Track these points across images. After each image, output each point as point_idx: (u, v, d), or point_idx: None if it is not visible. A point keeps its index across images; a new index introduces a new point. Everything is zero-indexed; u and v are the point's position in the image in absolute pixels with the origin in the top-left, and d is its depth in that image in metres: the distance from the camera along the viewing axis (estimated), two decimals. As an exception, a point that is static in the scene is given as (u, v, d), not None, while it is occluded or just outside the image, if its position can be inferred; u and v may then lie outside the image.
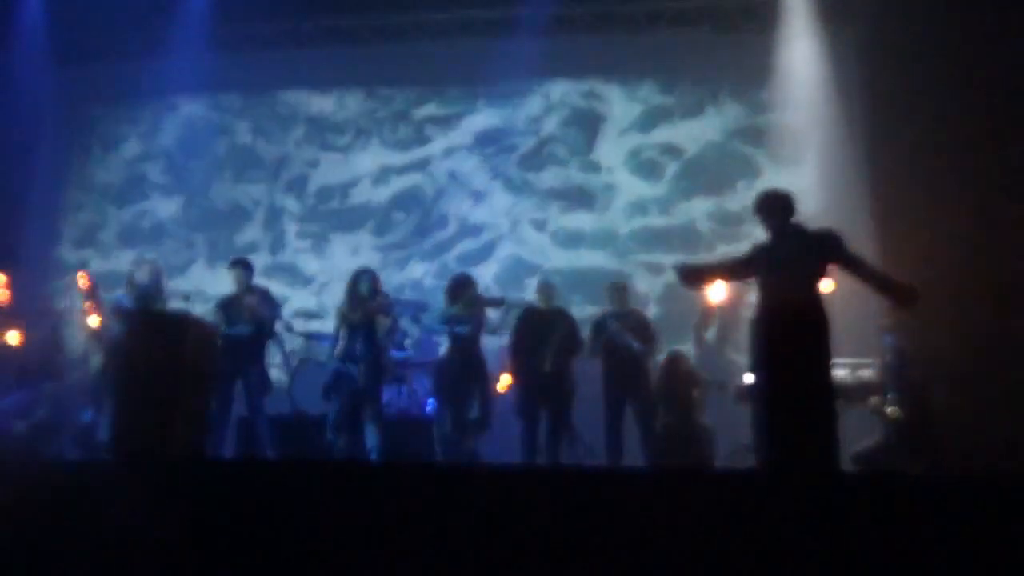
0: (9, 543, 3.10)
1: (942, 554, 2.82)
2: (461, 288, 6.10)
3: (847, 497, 3.08)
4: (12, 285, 7.98)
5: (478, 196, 8.87)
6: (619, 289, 6.38)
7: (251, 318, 5.88)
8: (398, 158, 9.08)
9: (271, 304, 6.00)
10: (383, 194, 9.00)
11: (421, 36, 9.05)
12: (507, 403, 6.22)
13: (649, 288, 7.99)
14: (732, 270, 4.91)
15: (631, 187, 8.64)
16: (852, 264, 4.45)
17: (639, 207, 8.57)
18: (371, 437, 5.65)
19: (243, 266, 6.11)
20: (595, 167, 8.75)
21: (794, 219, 4.51)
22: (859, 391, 5.83)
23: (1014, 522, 2.87)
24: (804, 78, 8.33)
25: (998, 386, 6.01)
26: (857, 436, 5.74)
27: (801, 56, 8.33)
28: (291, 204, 9.10)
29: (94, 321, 6.48)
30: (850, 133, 8.16)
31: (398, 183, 9.01)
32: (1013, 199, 6.09)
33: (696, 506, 3.01)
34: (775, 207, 4.54)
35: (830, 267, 4.51)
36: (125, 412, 3.90)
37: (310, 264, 8.90)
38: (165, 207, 9.27)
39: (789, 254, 4.42)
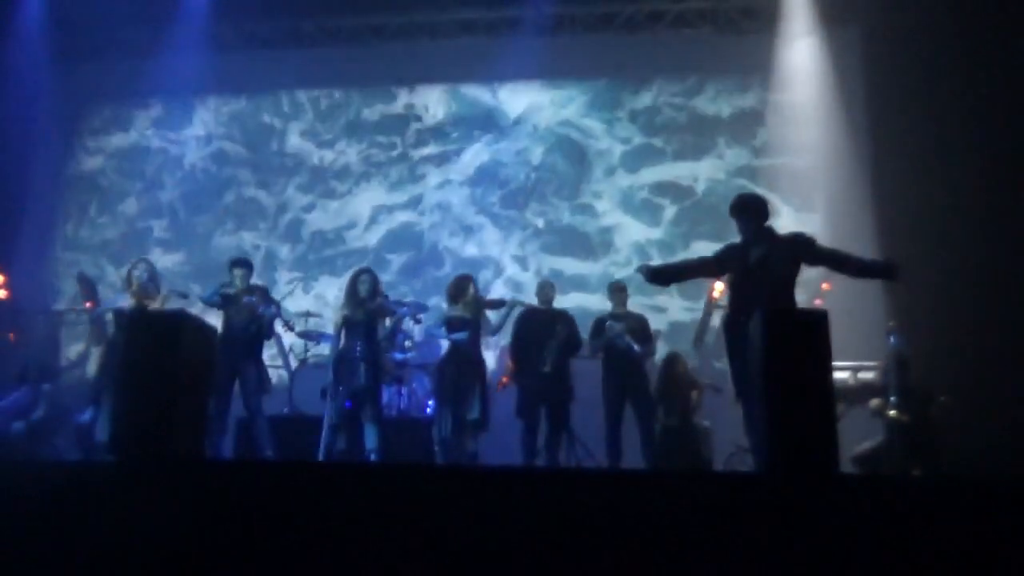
0: (7, 544, 3.09)
1: (942, 556, 2.81)
2: (462, 289, 6.08)
3: (847, 499, 3.08)
4: (11, 285, 7.99)
5: (472, 237, 8.91)
6: (618, 290, 6.36)
7: (250, 316, 5.86)
8: (393, 198, 9.13)
9: (270, 303, 5.97)
10: (377, 235, 9.04)
11: (421, 36, 9.07)
12: (507, 404, 6.20)
13: (653, 329, 7.93)
14: (701, 269, 4.96)
15: (631, 229, 8.65)
16: (830, 259, 4.52)
17: (639, 251, 8.54)
18: (370, 438, 5.64)
19: (243, 265, 6.09)
20: (591, 210, 8.77)
21: (767, 223, 4.59)
22: (861, 393, 5.83)
23: (1014, 524, 2.87)
24: (805, 78, 8.34)
25: (998, 390, 6.01)
26: (858, 438, 5.74)
27: (802, 56, 8.34)
28: (286, 250, 9.13)
29: (92, 321, 6.48)
30: (854, 142, 8.18)
31: (392, 223, 9.06)
32: (1018, 206, 6.09)
33: (696, 508, 3.01)
34: (750, 208, 4.59)
35: (806, 268, 4.58)
36: (123, 412, 3.89)
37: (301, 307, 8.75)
38: (163, 260, 9.17)
39: (764, 256, 4.47)
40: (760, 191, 8.09)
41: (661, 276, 4.92)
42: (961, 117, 6.78)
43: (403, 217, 9.09)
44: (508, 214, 8.95)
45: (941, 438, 5.61)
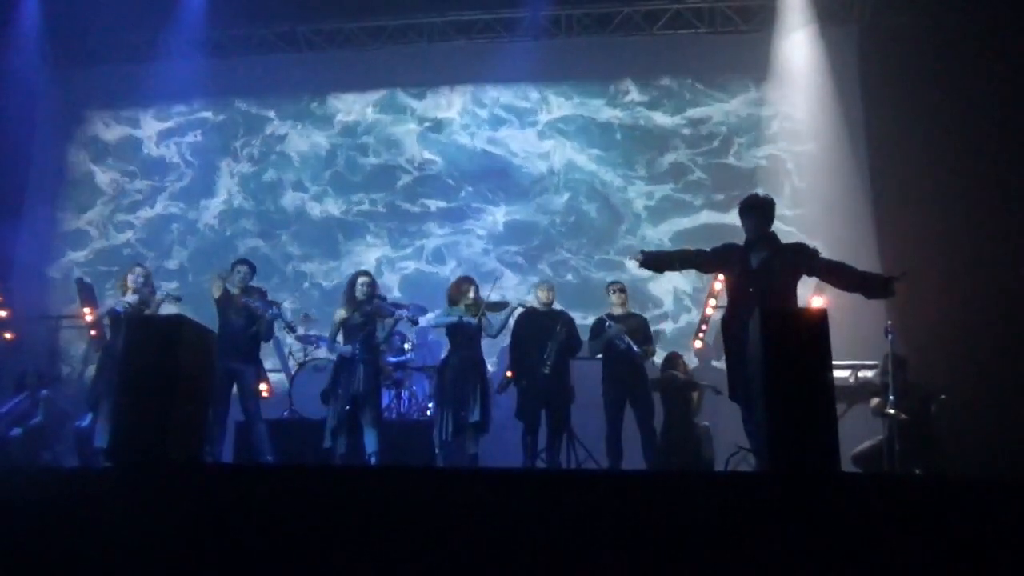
0: (6, 550, 3.08)
1: (943, 555, 2.81)
2: (463, 291, 6.06)
3: (848, 498, 3.07)
4: (9, 290, 7.98)
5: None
6: (618, 291, 6.34)
7: (249, 317, 5.83)
8: (402, 253, 8.88)
9: (270, 304, 5.93)
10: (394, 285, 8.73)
11: (420, 39, 9.07)
12: (507, 406, 6.19)
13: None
14: (696, 261, 4.94)
15: (669, 279, 8.29)
16: (831, 272, 4.50)
17: (677, 300, 8.25)
18: (370, 441, 5.62)
19: (247, 264, 6.06)
20: (620, 264, 8.29)
21: (772, 227, 4.59)
22: (861, 392, 5.84)
23: (1014, 523, 2.86)
24: (801, 76, 8.34)
25: (998, 389, 6.01)
26: (859, 437, 5.74)
27: (799, 54, 8.33)
28: (289, 304, 8.61)
29: (90, 327, 6.48)
30: (851, 141, 8.18)
31: (403, 274, 8.81)
32: (1016, 206, 6.09)
33: (697, 508, 3.00)
34: (757, 209, 4.59)
35: (805, 278, 4.56)
36: (121, 417, 3.87)
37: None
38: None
39: (766, 260, 4.48)
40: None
41: (655, 262, 4.98)
42: (959, 116, 6.78)
43: (415, 266, 8.83)
44: (530, 267, 8.62)
45: (941, 437, 5.62)
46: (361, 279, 5.90)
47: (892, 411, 5.34)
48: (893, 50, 7.78)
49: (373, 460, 5.57)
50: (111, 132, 9.62)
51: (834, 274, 4.51)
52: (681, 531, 2.91)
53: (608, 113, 8.95)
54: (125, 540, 3.02)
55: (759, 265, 4.50)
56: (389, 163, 9.17)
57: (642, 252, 5.00)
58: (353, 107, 9.36)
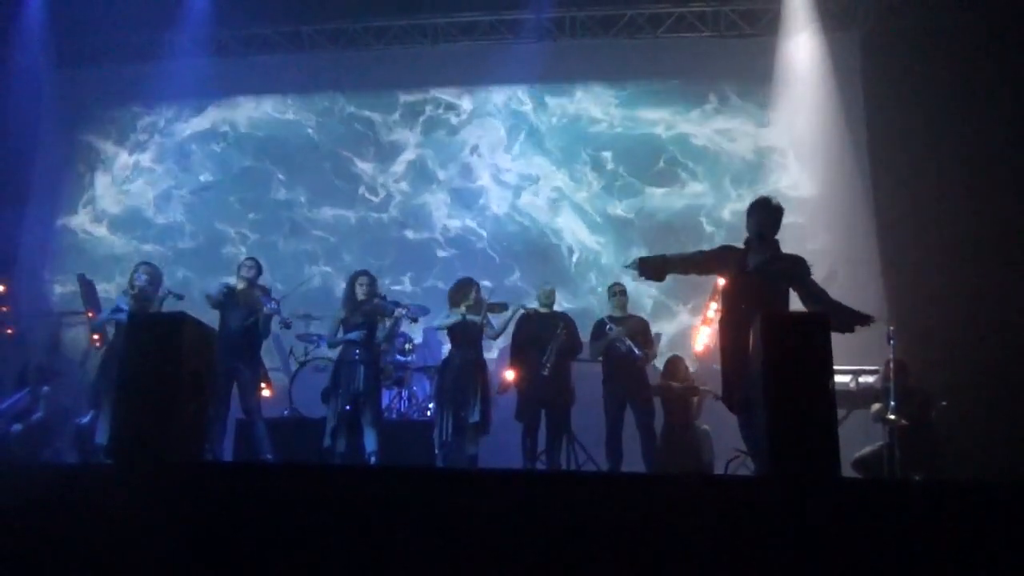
0: (5, 547, 3.08)
1: (943, 560, 2.81)
2: (464, 292, 6.06)
3: (848, 503, 3.07)
4: (10, 287, 7.99)
5: None
6: (618, 293, 6.34)
7: (248, 309, 5.83)
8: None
9: (271, 302, 5.93)
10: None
11: (422, 40, 9.07)
12: (507, 407, 6.19)
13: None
14: (696, 263, 4.87)
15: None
16: (811, 294, 4.42)
17: None
18: (370, 441, 5.62)
19: (253, 260, 6.08)
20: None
21: (777, 234, 4.55)
22: (861, 397, 5.83)
23: (1014, 527, 2.86)
24: (804, 79, 8.33)
25: (998, 393, 6.00)
26: (859, 442, 5.73)
27: (802, 58, 8.32)
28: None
29: (92, 324, 6.49)
30: (853, 145, 8.17)
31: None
32: (1015, 209, 6.09)
33: (696, 512, 3.00)
34: (764, 210, 4.55)
35: (792, 290, 4.53)
36: (122, 415, 3.88)
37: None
38: None
39: (763, 263, 4.45)
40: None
41: (653, 270, 4.85)
42: (962, 120, 6.78)
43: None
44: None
45: (942, 442, 5.62)
46: (361, 279, 5.91)
47: (893, 416, 5.33)
48: (896, 54, 7.78)
49: (373, 460, 5.57)
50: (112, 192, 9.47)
51: (811, 298, 4.42)
52: (680, 534, 2.91)
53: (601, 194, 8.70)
54: (125, 537, 3.02)
55: (756, 266, 4.48)
56: (420, 238, 8.90)
57: (639, 259, 4.88)
58: (376, 180, 9.15)
